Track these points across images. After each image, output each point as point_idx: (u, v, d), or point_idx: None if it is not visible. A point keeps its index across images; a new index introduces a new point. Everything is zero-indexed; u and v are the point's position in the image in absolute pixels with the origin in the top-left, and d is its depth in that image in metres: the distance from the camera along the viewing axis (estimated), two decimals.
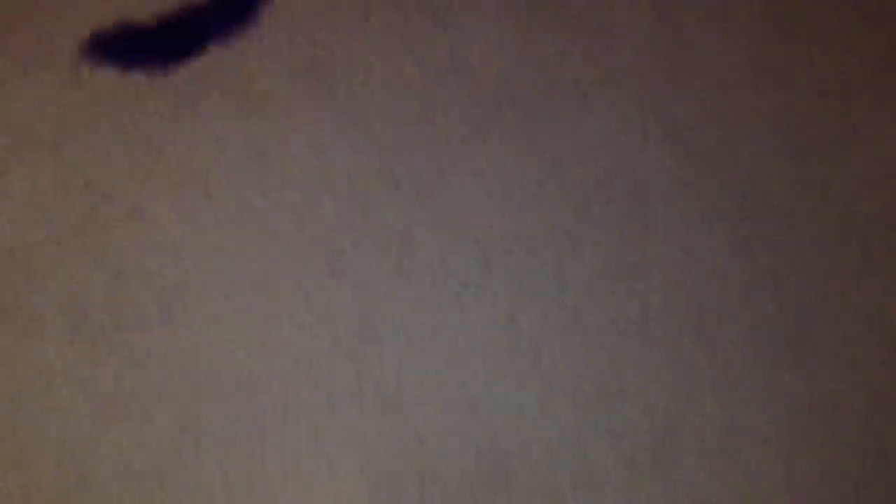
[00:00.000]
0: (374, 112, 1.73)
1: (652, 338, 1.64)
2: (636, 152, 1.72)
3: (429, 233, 1.67)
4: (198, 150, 1.69)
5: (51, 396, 1.55)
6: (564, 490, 1.56)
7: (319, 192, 1.66)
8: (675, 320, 1.64)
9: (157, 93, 1.74)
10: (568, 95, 1.76)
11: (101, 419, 1.54)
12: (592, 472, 1.57)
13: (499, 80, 1.77)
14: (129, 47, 1.76)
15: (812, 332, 1.65)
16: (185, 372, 1.57)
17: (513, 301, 1.64)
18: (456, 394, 1.58)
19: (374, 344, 1.62)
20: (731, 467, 1.58)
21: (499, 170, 1.73)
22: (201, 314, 1.62)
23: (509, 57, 1.79)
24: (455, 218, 1.69)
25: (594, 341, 1.64)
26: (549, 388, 1.57)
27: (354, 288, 1.64)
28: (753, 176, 1.70)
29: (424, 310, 1.64)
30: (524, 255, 1.66)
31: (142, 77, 1.73)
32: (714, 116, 1.75)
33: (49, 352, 1.56)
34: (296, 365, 1.59)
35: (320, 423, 1.57)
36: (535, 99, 1.75)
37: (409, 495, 1.55)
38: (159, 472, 1.53)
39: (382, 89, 1.76)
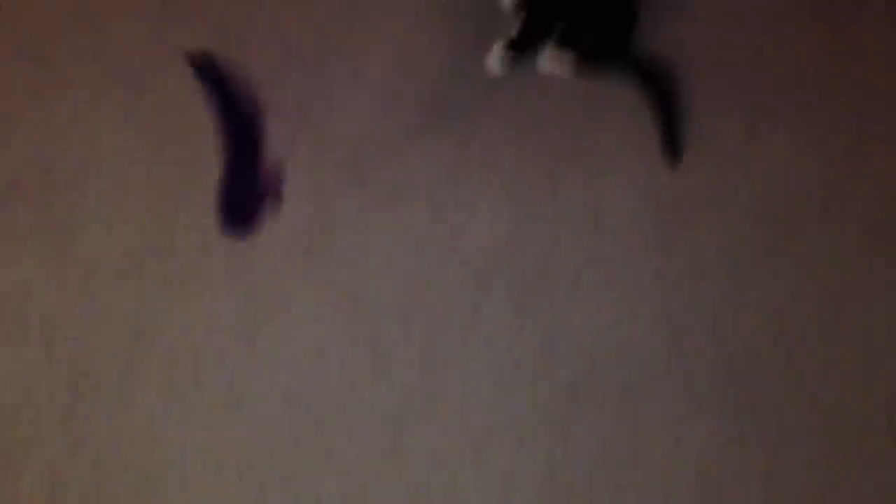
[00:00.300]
0: (370, 294, 1.73)
1: None
2: (625, 336, 1.73)
3: (420, 421, 1.65)
4: (189, 328, 1.66)
5: None
6: None
7: (311, 376, 1.64)
8: None
9: (148, 268, 1.72)
10: (558, 278, 1.78)
11: None
12: None
13: (492, 264, 1.79)
14: None
15: None
16: None
17: (503, 491, 1.62)
18: None
19: None
20: None
21: (490, 355, 1.74)
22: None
23: (502, 240, 1.81)
24: (447, 405, 1.68)
25: None
26: None
27: (345, 477, 1.60)
28: (741, 363, 1.71)
29: (414, 499, 1.61)
30: (515, 444, 1.65)
31: None
32: (701, 302, 1.76)
33: None
34: None
35: None
36: (527, 281, 1.77)
37: None
38: None
39: (380, 272, 1.76)
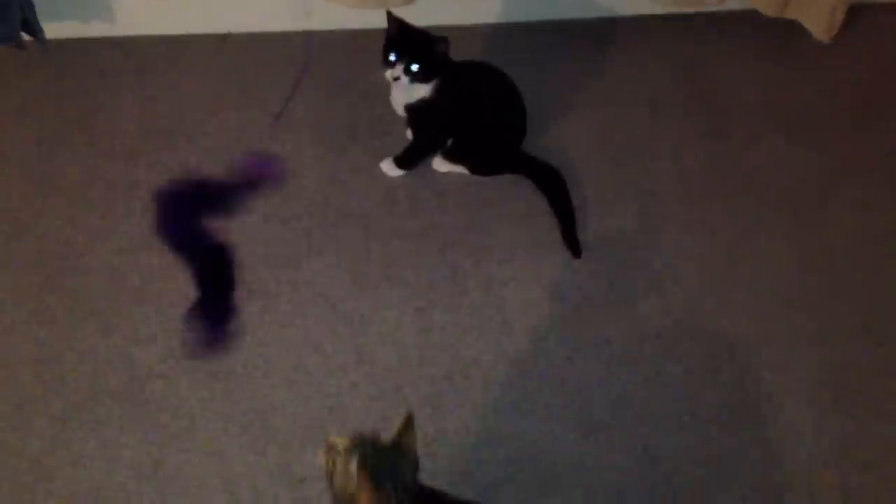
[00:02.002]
0: (278, 416, 1.71)
1: None
2: (542, 429, 1.71)
3: None
4: (89, 466, 1.61)
5: None
6: None
7: (223, 501, 1.59)
8: None
9: (42, 404, 1.69)
10: (471, 381, 1.77)
11: None
12: None
13: (402, 375, 1.77)
14: None
15: None
16: None
17: None
18: None
19: None
20: None
21: None
22: None
23: (410, 350, 1.81)
24: None
25: None
26: None
27: None
28: (655, 449, 1.70)
29: None
30: None
31: None
32: (612, 390, 1.76)
33: None
34: None
35: None
36: (439, 390, 1.76)
37: None
38: None
39: (287, 392, 1.74)
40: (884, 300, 1.89)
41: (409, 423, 1.26)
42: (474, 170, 2.05)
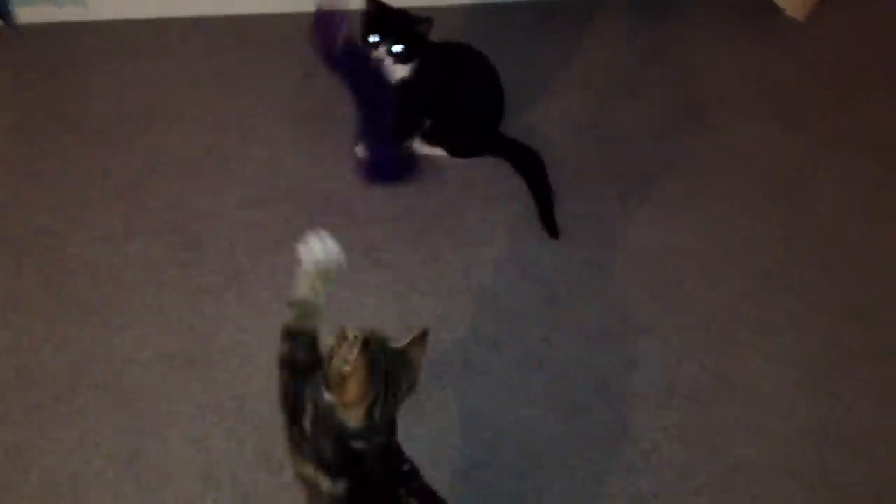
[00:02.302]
0: (256, 401, 1.70)
1: None
2: (522, 411, 1.71)
3: None
4: (67, 455, 1.61)
5: None
6: None
7: (202, 489, 1.58)
8: None
9: (20, 392, 1.68)
10: (451, 363, 1.77)
11: None
12: None
13: None
14: None
15: None
16: None
17: None
18: None
19: None
20: None
21: None
22: None
23: (389, 324, 1.79)
24: None
25: None
26: None
27: None
28: (636, 428, 1.71)
29: None
30: None
31: None
32: (592, 371, 1.77)
33: None
34: None
35: None
36: (428, 362, 1.75)
37: None
38: None
39: (265, 376, 1.73)
40: (868, 277, 1.90)
41: (422, 338, 1.24)
42: (453, 152, 2.04)
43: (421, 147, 2.05)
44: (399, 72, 1.84)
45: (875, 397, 1.74)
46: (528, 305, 1.85)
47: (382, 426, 1.23)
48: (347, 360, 1.17)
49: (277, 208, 1.96)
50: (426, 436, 1.68)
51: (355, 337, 1.18)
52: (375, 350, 1.19)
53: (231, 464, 1.62)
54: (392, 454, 1.29)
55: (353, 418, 1.19)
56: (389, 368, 1.21)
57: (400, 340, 1.23)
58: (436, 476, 1.37)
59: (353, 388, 1.17)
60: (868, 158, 2.08)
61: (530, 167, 2.02)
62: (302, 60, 2.20)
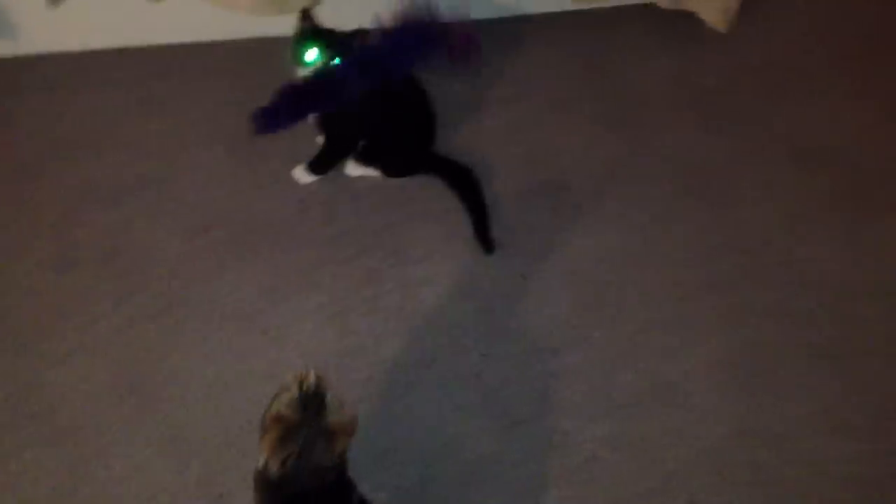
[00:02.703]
0: (197, 429, 1.70)
1: None
2: (461, 427, 1.73)
3: None
4: (7, 490, 1.59)
5: None
6: None
7: None
8: None
9: None
10: (392, 383, 1.78)
11: None
12: None
13: (327, 366, 1.76)
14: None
15: None
16: None
17: None
18: None
19: None
20: None
21: None
22: None
23: (329, 357, 1.81)
24: None
25: None
26: None
27: None
28: (573, 437, 1.73)
29: None
30: None
31: None
32: (529, 383, 1.79)
33: None
34: None
35: None
36: (359, 386, 1.77)
37: None
38: None
39: (205, 404, 1.74)
40: (791, 279, 1.95)
41: (330, 405, 1.27)
42: (387, 172, 2.07)
43: (354, 168, 2.06)
44: None
45: (799, 396, 1.78)
46: (465, 321, 1.88)
47: (305, 475, 1.25)
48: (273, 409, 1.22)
49: (212, 234, 1.96)
50: (368, 456, 1.68)
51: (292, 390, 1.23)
52: (302, 409, 1.24)
53: (173, 491, 1.62)
54: (341, 490, 1.30)
55: (272, 465, 1.23)
56: (310, 431, 1.24)
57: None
58: (377, 495, 1.38)
59: (266, 442, 1.23)
60: (790, 164, 2.14)
61: (464, 184, 2.05)
62: (231, 88, 2.20)
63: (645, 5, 2.37)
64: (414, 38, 1.84)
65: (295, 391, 1.24)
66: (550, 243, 1.98)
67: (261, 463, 1.27)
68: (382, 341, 1.84)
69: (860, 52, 2.39)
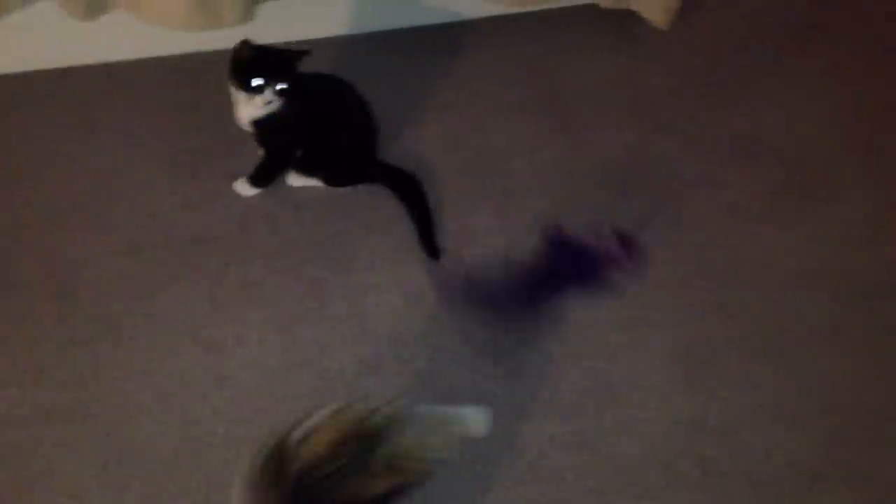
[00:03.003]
0: (141, 452, 1.70)
1: None
2: None
3: None
4: None
5: None
6: None
7: None
8: None
9: None
10: (337, 389, 1.78)
11: None
12: None
13: (265, 397, 1.76)
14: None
15: None
16: None
17: None
18: None
19: None
20: None
21: None
22: None
23: (273, 372, 1.80)
24: None
25: None
26: None
27: None
28: (521, 439, 1.73)
29: None
30: None
31: None
32: (476, 387, 1.79)
33: None
34: None
35: None
36: (303, 398, 1.75)
37: None
38: None
39: (148, 425, 1.71)
40: (735, 275, 1.95)
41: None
42: (329, 181, 2.06)
43: (295, 179, 2.05)
44: (275, 107, 1.83)
45: (744, 389, 1.79)
46: (411, 328, 1.87)
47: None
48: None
49: (152, 253, 1.94)
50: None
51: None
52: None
53: None
54: None
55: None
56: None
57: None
58: None
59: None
60: (733, 160, 2.15)
61: (408, 191, 2.04)
62: (168, 104, 2.19)
63: (586, 6, 2.37)
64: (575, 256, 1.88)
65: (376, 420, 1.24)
66: (495, 247, 1.97)
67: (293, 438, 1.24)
68: (328, 351, 1.83)
69: (802, 48, 2.40)
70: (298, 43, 1.96)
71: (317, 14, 2.25)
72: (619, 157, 2.15)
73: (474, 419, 1.63)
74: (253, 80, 1.80)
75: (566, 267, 1.87)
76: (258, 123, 1.89)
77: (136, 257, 1.93)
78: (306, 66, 1.87)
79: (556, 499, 1.65)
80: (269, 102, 1.81)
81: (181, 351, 1.81)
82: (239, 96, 1.84)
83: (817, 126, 2.23)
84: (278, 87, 1.80)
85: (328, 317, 1.87)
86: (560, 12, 2.41)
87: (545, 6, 2.37)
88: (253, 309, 1.87)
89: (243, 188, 2.04)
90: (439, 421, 1.54)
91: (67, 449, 1.68)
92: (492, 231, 2.00)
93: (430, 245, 1.97)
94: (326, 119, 1.93)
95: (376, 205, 2.04)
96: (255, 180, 2.03)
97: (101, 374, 1.77)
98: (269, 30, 2.09)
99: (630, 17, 2.37)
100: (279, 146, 1.97)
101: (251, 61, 1.81)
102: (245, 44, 1.80)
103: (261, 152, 2.01)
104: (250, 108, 1.86)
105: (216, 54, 2.15)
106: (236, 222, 2.00)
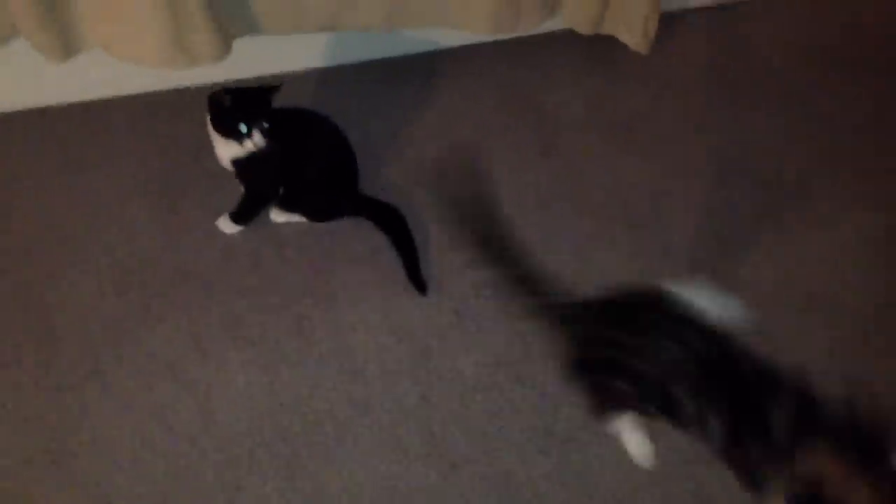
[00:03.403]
0: (123, 493, 1.67)
1: None
2: (401, 472, 1.70)
3: None
4: None
5: None
6: None
7: None
8: None
9: None
10: (327, 431, 1.75)
11: None
12: None
13: (252, 437, 1.74)
14: None
15: None
16: None
17: None
18: None
19: None
20: None
21: None
22: None
23: (259, 410, 1.77)
24: None
25: None
26: None
27: None
28: (516, 476, 1.71)
29: None
30: None
31: None
32: (469, 423, 1.76)
33: None
34: None
35: None
36: (294, 447, 1.73)
37: None
38: None
39: (131, 466, 1.69)
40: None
41: None
42: (311, 217, 2.04)
43: (278, 215, 2.03)
44: (246, 144, 1.81)
45: None
46: (400, 363, 1.85)
47: None
48: None
49: (134, 292, 1.91)
50: (311, 502, 1.65)
51: None
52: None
53: None
54: None
55: None
56: None
57: None
58: None
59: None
60: (714, 183, 2.16)
61: (392, 224, 2.03)
62: (148, 140, 2.17)
63: (564, 31, 2.37)
64: None
65: None
66: (482, 277, 1.95)
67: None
68: (315, 392, 1.81)
69: (779, 67, 2.42)
70: (273, 77, 1.94)
71: (292, 47, 2.24)
72: (601, 181, 2.15)
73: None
74: (240, 126, 1.78)
75: None
76: (238, 163, 1.87)
77: (118, 298, 1.91)
78: (283, 102, 1.86)
79: None
80: (256, 144, 1.78)
81: (166, 394, 1.78)
82: (218, 138, 1.82)
83: (802, 146, 2.23)
84: (263, 127, 1.78)
85: (315, 356, 1.86)
86: (538, 38, 2.41)
87: (523, 33, 2.36)
88: (238, 349, 1.85)
89: (226, 225, 2.02)
90: None
91: (51, 497, 1.65)
92: (478, 261, 1.97)
93: (416, 278, 1.96)
94: (306, 155, 1.91)
95: (361, 239, 2.03)
96: (237, 217, 2.01)
97: (86, 420, 1.74)
98: (243, 64, 2.07)
99: (609, 41, 2.37)
100: (260, 183, 1.95)
101: (232, 108, 1.79)
102: (221, 92, 1.78)
103: (242, 189, 1.98)
104: (230, 148, 1.83)
105: (195, 90, 2.13)
106: (219, 258, 1.98)
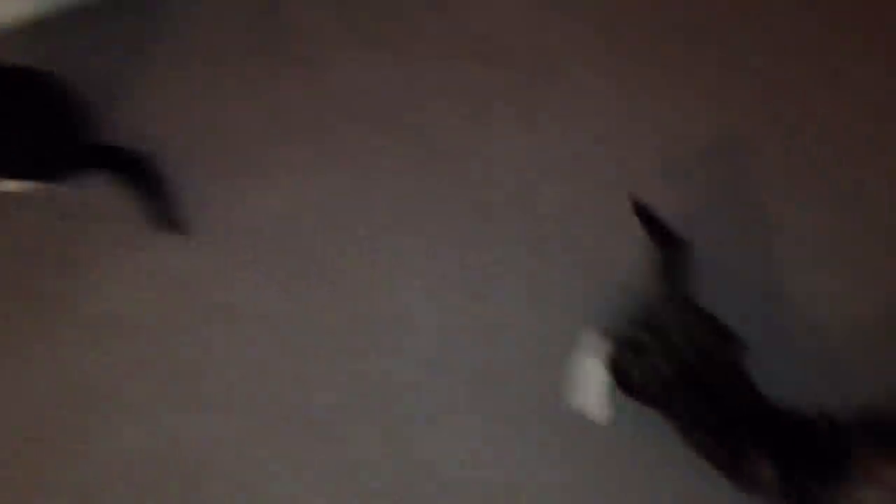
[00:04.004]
0: None
1: None
2: None
3: None
4: None
5: None
6: None
7: None
8: None
9: None
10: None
11: None
12: None
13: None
14: None
15: None
16: None
17: None
18: None
19: None
20: None
21: None
22: None
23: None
24: None
25: None
26: None
27: None
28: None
29: None
30: None
31: None
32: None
33: None
34: None
35: None
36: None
37: None
38: None
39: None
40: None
41: None
42: (37, 178, 1.87)
43: (7, 185, 1.86)
44: None
45: None
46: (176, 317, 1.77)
47: None
48: None
49: None
50: None
51: None
52: None
53: None
54: None
55: None
56: None
57: None
58: None
59: None
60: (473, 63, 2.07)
61: (135, 170, 1.90)
62: None
63: None
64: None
65: None
66: (238, 210, 1.90)
67: None
68: (85, 359, 1.74)
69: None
70: None
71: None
72: (358, 94, 2.04)
73: None
74: None
75: None
76: None
77: None
78: None
79: None
80: None
81: None
82: None
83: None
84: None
85: (74, 325, 1.75)
86: None
87: None
88: None
89: None
90: None
91: None
92: (234, 204, 1.89)
93: (170, 220, 1.86)
94: (9, 114, 1.74)
95: (101, 194, 1.88)
96: None
97: None
98: None
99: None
100: None
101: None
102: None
103: None
104: None
105: None
106: None
